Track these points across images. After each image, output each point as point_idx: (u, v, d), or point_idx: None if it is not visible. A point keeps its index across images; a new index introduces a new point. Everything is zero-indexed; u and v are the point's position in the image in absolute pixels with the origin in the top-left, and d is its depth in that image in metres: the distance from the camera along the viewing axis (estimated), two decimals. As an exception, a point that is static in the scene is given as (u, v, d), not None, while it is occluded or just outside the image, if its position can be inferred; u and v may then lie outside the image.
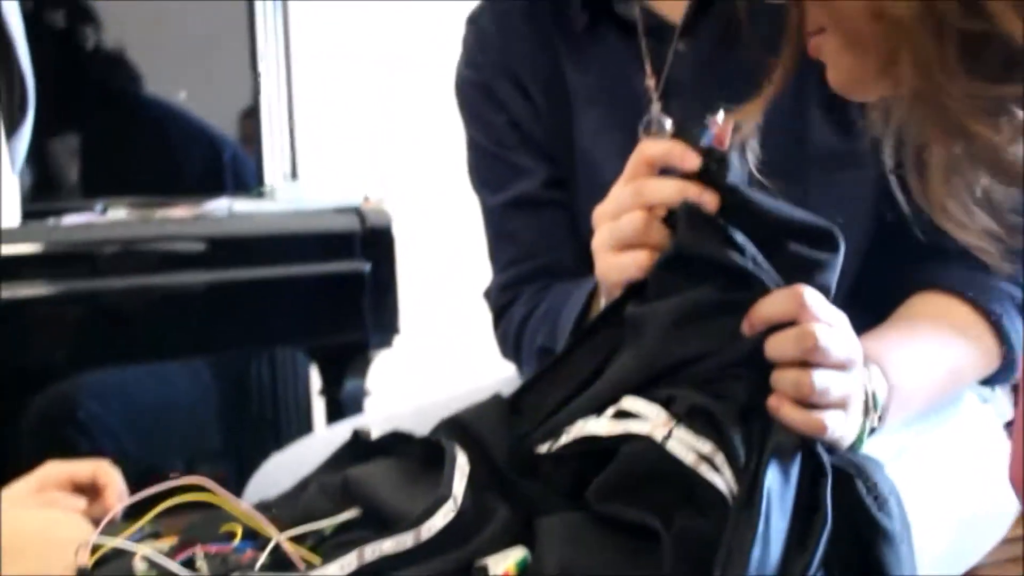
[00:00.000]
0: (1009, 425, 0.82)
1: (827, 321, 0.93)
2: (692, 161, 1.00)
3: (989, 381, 1.20)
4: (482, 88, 1.35)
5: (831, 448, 0.94)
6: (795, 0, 0.90)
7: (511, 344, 1.33)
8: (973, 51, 0.72)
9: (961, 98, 0.73)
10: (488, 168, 1.37)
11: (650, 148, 1.03)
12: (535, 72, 1.32)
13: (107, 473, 1.07)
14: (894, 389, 1.03)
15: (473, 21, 1.37)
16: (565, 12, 1.30)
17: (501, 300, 1.36)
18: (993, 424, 1.25)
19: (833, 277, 0.97)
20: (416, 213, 2.43)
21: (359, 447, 1.05)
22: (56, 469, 1.07)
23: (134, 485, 1.03)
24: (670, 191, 1.00)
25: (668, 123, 1.24)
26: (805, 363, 0.91)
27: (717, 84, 1.21)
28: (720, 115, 1.01)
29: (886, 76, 0.81)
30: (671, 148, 1.01)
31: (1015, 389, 1.31)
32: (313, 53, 2.50)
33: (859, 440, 0.98)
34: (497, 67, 1.33)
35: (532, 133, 1.33)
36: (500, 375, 1.43)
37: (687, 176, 1.00)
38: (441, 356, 2.51)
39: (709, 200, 0.98)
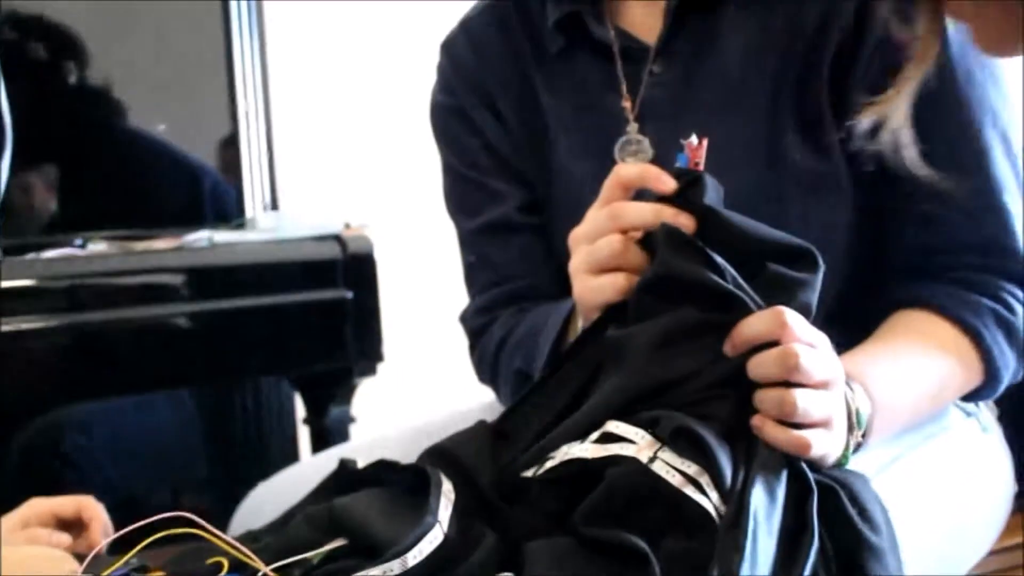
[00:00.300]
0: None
1: (808, 341, 0.93)
2: (668, 183, 1.00)
3: (972, 397, 1.21)
4: (457, 113, 1.35)
5: (816, 466, 0.95)
6: None
7: (487, 368, 1.33)
8: None
9: None
10: (463, 193, 1.37)
11: (625, 171, 1.03)
12: (509, 96, 1.32)
13: (91, 508, 1.07)
14: (878, 406, 1.03)
15: (447, 47, 1.37)
16: (539, 35, 1.30)
17: (477, 324, 1.36)
18: (977, 437, 1.26)
19: (813, 296, 0.98)
20: (399, 239, 2.43)
21: (345, 477, 1.05)
22: (40, 505, 1.06)
23: (120, 515, 1.03)
24: (646, 214, 1.00)
25: (646, 143, 1.24)
26: (788, 383, 0.92)
27: (691, 106, 1.22)
28: (694, 138, 1.01)
29: None
30: (646, 170, 1.01)
31: (998, 403, 1.32)
32: (291, 81, 2.51)
33: (844, 457, 0.99)
34: (471, 92, 1.34)
35: (507, 157, 1.33)
36: (484, 399, 1.43)
37: (663, 199, 1.01)
38: (426, 381, 2.51)
39: (686, 222, 0.99)
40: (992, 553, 1.25)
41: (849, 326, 1.11)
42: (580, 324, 1.12)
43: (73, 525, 1.07)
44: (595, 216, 1.04)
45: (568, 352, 1.06)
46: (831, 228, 1.18)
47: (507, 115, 1.32)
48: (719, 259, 0.96)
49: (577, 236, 1.05)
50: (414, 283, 2.66)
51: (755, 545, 0.84)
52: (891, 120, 0.99)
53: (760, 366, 0.92)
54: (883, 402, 1.04)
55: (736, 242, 0.98)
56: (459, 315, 1.40)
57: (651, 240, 1.01)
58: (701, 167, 1.01)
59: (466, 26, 1.36)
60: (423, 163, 1.44)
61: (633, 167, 1.03)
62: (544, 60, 1.30)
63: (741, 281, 0.96)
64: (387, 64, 2.79)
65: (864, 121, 1.03)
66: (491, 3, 1.35)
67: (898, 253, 1.20)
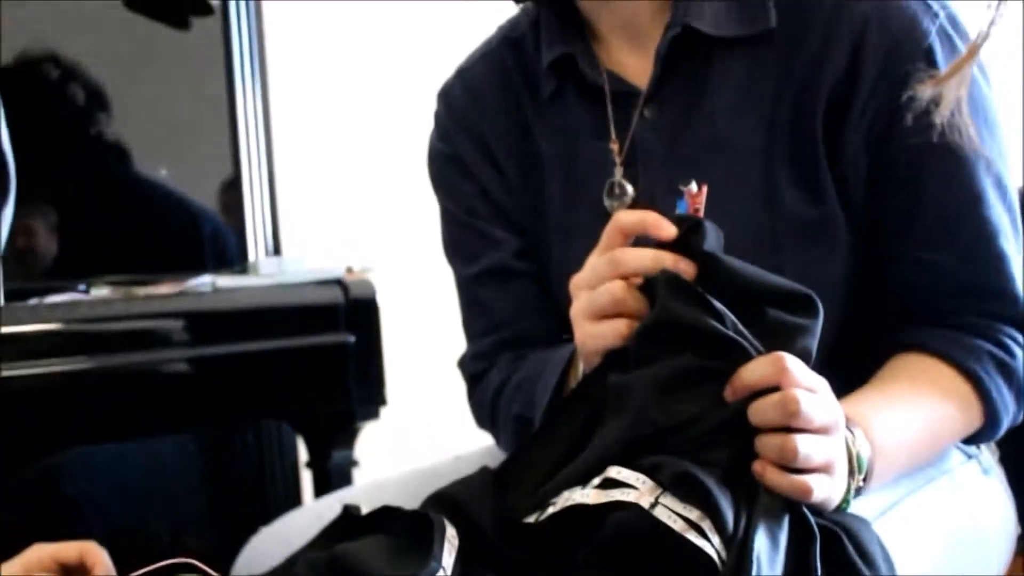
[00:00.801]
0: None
1: (809, 386, 0.93)
2: (668, 230, 1.01)
3: (971, 440, 1.21)
4: (453, 160, 1.36)
5: (818, 510, 0.95)
6: None
7: (486, 413, 1.34)
8: None
9: None
10: (460, 239, 1.37)
11: (624, 218, 1.04)
12: (506, 142, 1.33)
13: (94, 553, 1.07)
14: (878, 450, 1.03)
15: (444, 95, 1.38)
16: (535, 80, 1.31)
17: (475, 369, 1.36)
18: (978, 480, 1.26)
19: (813, 342, 0.98)
20: (401, 283, 2.44)
21: (348, 523, 1.05)
22: (42, 551, 1.06)
23: (122, 560, 1.03)
24: (647, 260, 1.01)
25: (629, 189, 1.25)
26: (789, 428, 0.92)
27: (682, 150, 1.23)
28: (694, 184, 1.02)
29: None
30: (646, 217, 1.02)
31: (999, 445, 1.32)
32: (293, 126, 2.52)
33: (845, 502, 0.99)
34: (468, 138, 1.34)
35: (503, 203, 1.34)
36: (487, 444, 1.43)
37: (663, 245, 1.01)
38: (429, 425, 2.51)
39: (686, 268, 1.00)
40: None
41: (848, 370, 1.11)
42: (581, 370, 1.13)
43: (76, 571, 1.07)
44: (595, 263, 1.04)
45: (570, 398, 1.06)
46: (828, 273, 1.18)
47: (503, 162, 1.33)
48: (719, 305, 0.96)
49: (578, 282, 1.06)
50: (417, 327, 2.66)
51: (759, 590, 0.84)
52: (944, 100, 0.98)
53: (761, 412, 0.93)
54: (883, 446, 1.04)
55: (736, 287, 0.99)
56: (457, 360, 1.41)
57: (651, 286, 1.01)
58: (701, 213, 1.02)
59: (462, 74, 1.37)
60: (425, 207, 1.45)
61: (633, 214, 1.04)
62: (538, 104, 1.31)
63: (741, 327, 0.96)
64: (389, 109, 2.81)
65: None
66: (487, 50, 1.36)
67: (896, 298, 1.20)
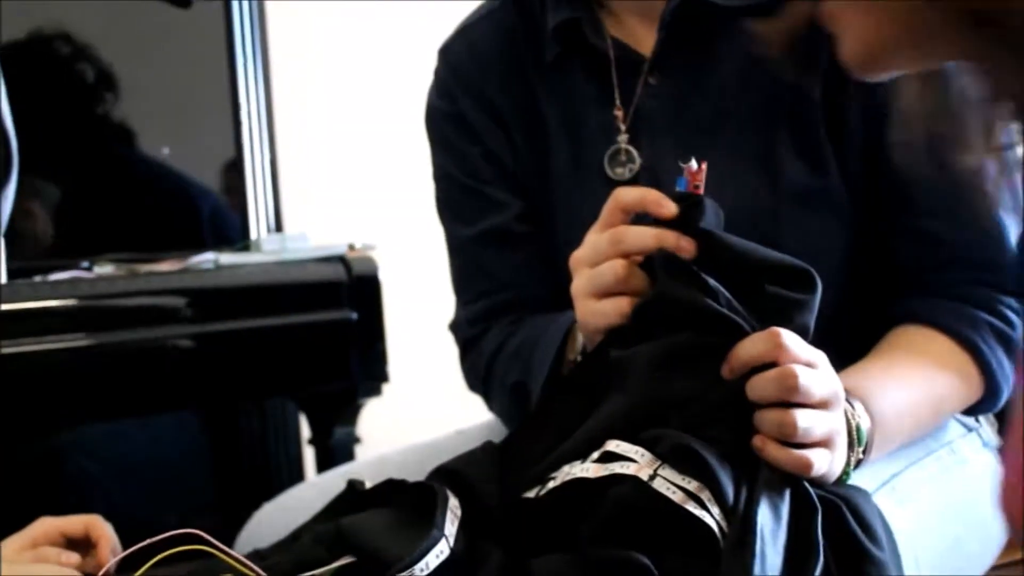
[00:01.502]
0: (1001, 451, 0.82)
1: (807, 360, 0.94)
2: (669, 208, 1.01)
3: (972, 411, 1.21)
4: (455, 119, 1.33)
5: (818, 483, 0.96)
6: None
7: (480, 377, 1.32)
8: None
9: None
10: (460, 200, 1.35)
11: (625, 195, 1.04)
12: (510, 102, 1.31)
13: (99, 527, 1.07)
14: (878, 422, 1.04)
15: (445, 52, 1.36)
16: (537, 42, 1.29)
17: (470, 333, 1.34)
18: (978, 452, 1.26)
19: (811, 317, 0.99)
20: (403, 259, 2.44)
21: (353, 497, 1.05)
22: (48, 524, 1.07)
23: (126, 538, 1.04)
24: (648, 239, 1.01)
25: (636, 155, 1.24)
26: (788, 403, 0.92)
27: (687, 118, 1.22)
28: (693, 162, 1.02)
29: (913, 39, 0.70)
30: (646, 195, 1.02)
31: (999, 417, 1.32)
32: (295, 104, 2.52)
33: (846, 474, 1.00)
34: (471, 97, 1.32)
35: (507, 165, 1.31)
36: (488, 418, 1.44)
37: (663, 222, 1.02)
38: (431, 401, 2.51)
39: (686, 247, 1.00)
40: (994, 568, 1.25)
41: (847, 343, 1.11)
42: (580, 344, 1.13)
43: (81, 544, 1.07)
44: (596, 240, 1.04)
45: (571, 374, 1.07)
46: (828, 243, 1.18)
47: (508, 121, 1.31)
48: (714, 283, 0.97)
49: (578, 259, 1.06)
50: (418, 304, 2.66)
51: (763, 563, 0.85)
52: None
53: (759, 387, 0.93)
54: (883, 418, 1.04)
55: (735, 264, 0.99)
56: (449, 323, 1.39)
57: (653, 262, 1.02)
58: (701, 191, 1.02)
59: (465, 32, 1.35)
60: (427, 185, 1.45)
61: (633, 191, 1.04)
62: (541, 67, 1.29)
63: (736, 305, 0.97)
64: (391, 86, 2.80)
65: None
66: (490, 8, 1.34)
67: (895, 268, 1.21)
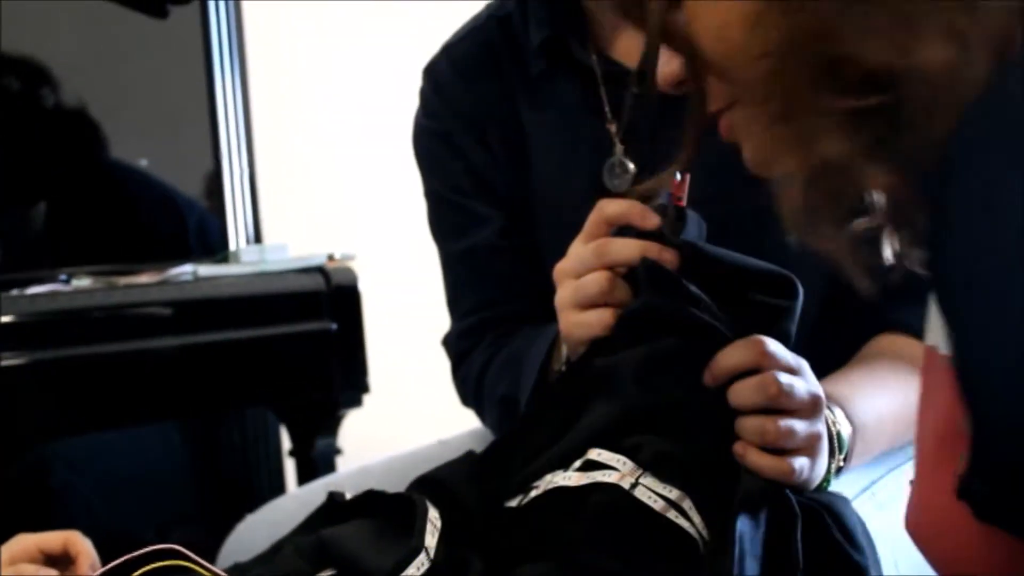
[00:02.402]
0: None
1: (789, 367, 0.94)
2: (652, 220, 1.01)
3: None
4: (440, 136, 1.35)
5: (799, 490, 0.96)
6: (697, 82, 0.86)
7: (471, 391, 1.34)
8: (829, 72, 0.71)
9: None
10: (447, 216, 1.37)
11: (609, 207, 1.04)
12: (492, 118, 1.32)
13: (77, 543, 1.07)
14: (858, 429, 1.04)
15: (429, 71, 1.38)
16: (523, 58, 1.30)
17: (460, 347, 1.36)
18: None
19: (793, 324, 0.99)
20: (383, 269, 2.44)
21: (333, 509, 1.05)
22: (26, 541, 1.06)
23: (107, 550, 1.03)
24: (632, 250, 1.02)
25: (631, 166, 1.25)
26: (769, 410, 0.93)
27: (672, 127, 1.23)
28: (676, 174, 1.03)
29: (789, 143, 0.78)
30: (630, 207, 1.03)
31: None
32: (273, 114, 2.52)
33: (826, 481, 1.00)
34: (454, 114, 1.34)
35: (490, 180, 1.33)
36: (470, 428, 1.44)
37: (646, 234, 1.02)
38: (412, 412, 2.51)
39: (669, 258, 1.00)
40: (975, 573, 1.25)
41: (829, 350, 1.12)
42: (565, 355, 1.14)
43: (60, 560, 1.07)
44: (580, 252, 1.05)
45: (556, 384, 1.07)
46: (809, 257, 1.18)
47: (490, 137, 1.33)
48: (698, 293, 0.97)
49: (563, 271, 1.06)
50: (399, 314, 2.66)
51: (743, 570, 0.85)
52: None
53: (741, 394, 0.94)
54: (864, 425, 1.05)
55: (718, 274, 1.00)
56: (442, 339, 1.41)
57: (636, 273, 1.02)
58: (683, 202, 1.02)
59: (449, 51, 1.37)
60: (406, 194, 1.45)
61: (617, 203, 1.05)
62: (526, 82, 1.30)
63: (719, 314, 0.97)
64: (370, 96, 2.80)
65: None
66: (473, 26, 1.36)
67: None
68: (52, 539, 1.06)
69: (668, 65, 0.83)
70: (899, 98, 0.69)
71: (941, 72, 0.67)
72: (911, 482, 0.81)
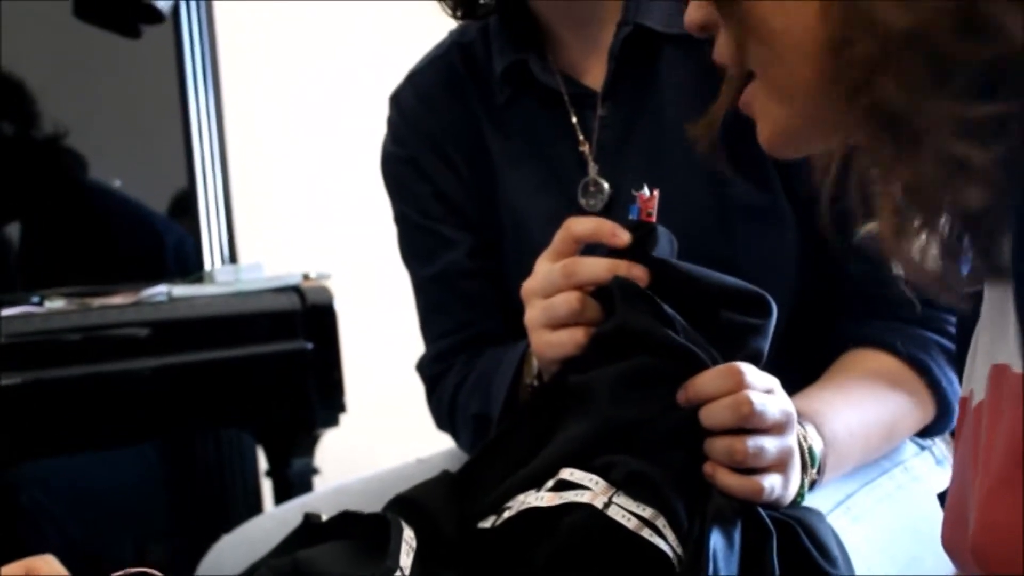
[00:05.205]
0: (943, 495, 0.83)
1: (763, 389, 0.95)
2: (623, 238, 1.02)
3: (926, 432, 1.23)
4: (407, 162, 1.36)
5: (773, 505, 0.96)
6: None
7: (445, 413, 1.34)
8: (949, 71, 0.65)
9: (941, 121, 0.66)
10: (416, 241, 1.38)
11: (578, 226, 1.05)
12: (458, 142, 1.34)
13: (40, 569, 1.04)
14: (830, 444, 1.05)
15: (395, 99, 1.39)
16: (486, 83, 1.32)
17: (433, 371, 1.37)
18: (932, 470, 1.27)
19: (765, 342, 1.00)
20: (359, 289, 2.43)
21: (309, 530, 1.05)
22: None
23: (82, 572, 1.02)
24: (601, 269, 1.02)
25: (606, 186, 1.26)
26: (740, 429, 0.93)
27: (635, 147, 1.24)
28: (646, 189, 1.03)
29: (821, 128, 0.75)
30: (600, 226, 1.03)
31: (953, 436, 1.33)
32: (248, 133, 2.51)
33: (800, 496, 1.00)
34: (421, 140, 1.35)
35: (458, 204, 1.34)
36: (446, 448, 1.44)
37: (616, 251, 1.02)
38: (389, 431, 2.51)
39: (639, 274, 1.01)
40: (950, 585, 1.26)
41: (799, 365, 1.12)
42: (535, 369, 1.14)
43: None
44: (548, 272, 1.05)
45: (528, 403, 1.07)
46: (778, 261, 1.20)
47: (456, 161, 1.34)
48: (670, 311, 0.97)
49: (531, 290, 1.07)
50: (375, 333, 2.66)
51: (715, 589, 0.85)
52: None
53: (714, 414, 0.94)
54: (836, 439, 1.05)
55: (690, 290, 1.00)
56: (416, 363, 1.41)
57: (606, 290, 1.02)
58: (654, 218, 1.03)
59: (413, 79, 1.38)
60: (381, 214, 1.45)
61: (586, 222, 1.05)
62: (492, 107, 1.32)
63: (692, 333, 0.97)
64: (344, 115, 2.80)
65: None
66: (437, 54, 1.37)
67: (842, 290, 1.22)
68: (13, 570, 1.04)
69: (695, 11, 0.81)
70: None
71: None
72: (940, 496, 0.81)
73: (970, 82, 0.65)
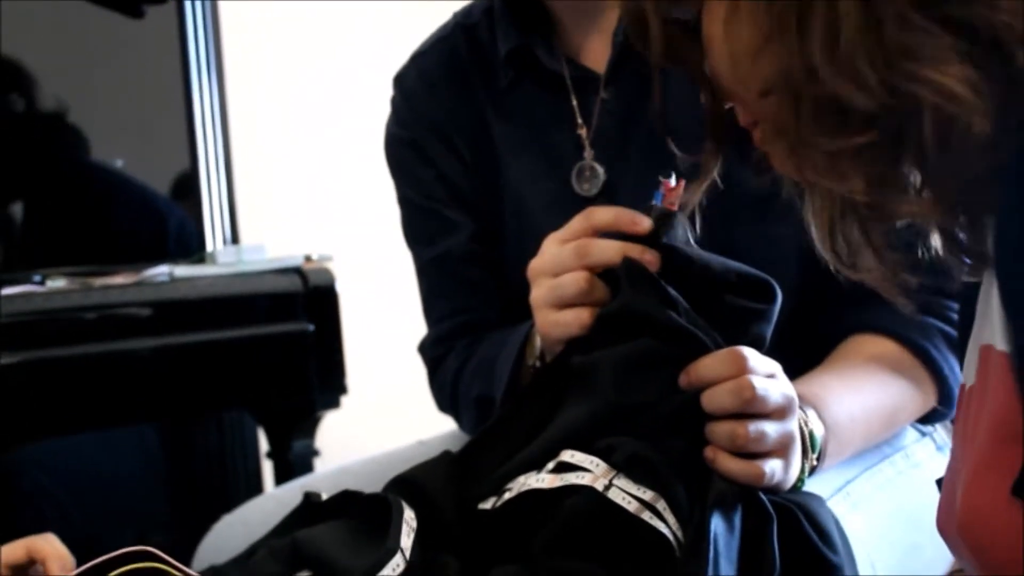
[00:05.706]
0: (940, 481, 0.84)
1: (764, 374, 0.94)
2: (644, 226, 1.02)
3: (928, 419, 1.22)
4: (410, 144, 1.36)
5: (773, 490, 0.96)
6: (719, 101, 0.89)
7: (447, 396, 1.34)
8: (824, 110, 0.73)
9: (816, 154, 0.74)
10: (419, 224, 1.38)
11: (598, 215, 1.04)
12: (461, 126, 1.33)
13: (41, 548, 1.05)
14: (831, 429, 1.04)
15: (399, 80, 1.39)
16: (490, 66, 1.32)
17: (435, 354, 1.37)
18: (932, 456, 1.27)
19: (768, 327, 0.99)
20: (361, 270, 2.43)
21: (309, 510, 1.05)
22: None
23: (83, 552, 1.02)
24: (612, 252, 1.02)
25: (601, 171, 1.25)
26: (741, 414, 0.93)
27: (637, 132, 1.24)
28: (672, 179, 1.03)
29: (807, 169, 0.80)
30: (620, 215, 1.03)
31: (954, 422, 1.33)
32: (250, 114, 2.51)
33: (800, 481, 1.00)
34: (424, 123, 1.35)
35: (460, 187, 1.34)
36: (447, 430, 1.44)
37: (630, 236, 1.02)
38: (389, 413, 2.51)
39: (651, 259, 1.00)
40: (951, 572, 1.26)
41: (801, 351, 1.12)
42: (538, 349, 1.14)
43: (29, 567, 1.05)
44: (558, 252, 1.05)
45: (531, 383, 1.07)
46: (780, 248, 1.19)
47: (459, 144, 1.34)
48: (674, 293, 0.97)
49: (539, 269, 1.06)
50: (376, 315, 2.66)
51: (717, 572, 0.85)
52: None
53: (715, 399, 0.94)
54: (837, 425, 1.05)
55: (695, 275, 1.00)
56: (417, 345, 1.41)
57: (613, 272, 1.02)
58: (675, 207, 1.02)
59: (417, 60, 1.38)
60: (383, 195, 1.45)
61: (607, 211, 1.05)
62: (495, 90, 1.32)
63: (695, 316, 0.97)
64: (346, 97, 2.80)
65: None
66: (441, 36, 1.37)
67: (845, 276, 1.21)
68: (14, 550, 1.04)
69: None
70: (899, 132, 0.71)
71: (946, 103, 0.67)
72: (938, 482, 0.81)
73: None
